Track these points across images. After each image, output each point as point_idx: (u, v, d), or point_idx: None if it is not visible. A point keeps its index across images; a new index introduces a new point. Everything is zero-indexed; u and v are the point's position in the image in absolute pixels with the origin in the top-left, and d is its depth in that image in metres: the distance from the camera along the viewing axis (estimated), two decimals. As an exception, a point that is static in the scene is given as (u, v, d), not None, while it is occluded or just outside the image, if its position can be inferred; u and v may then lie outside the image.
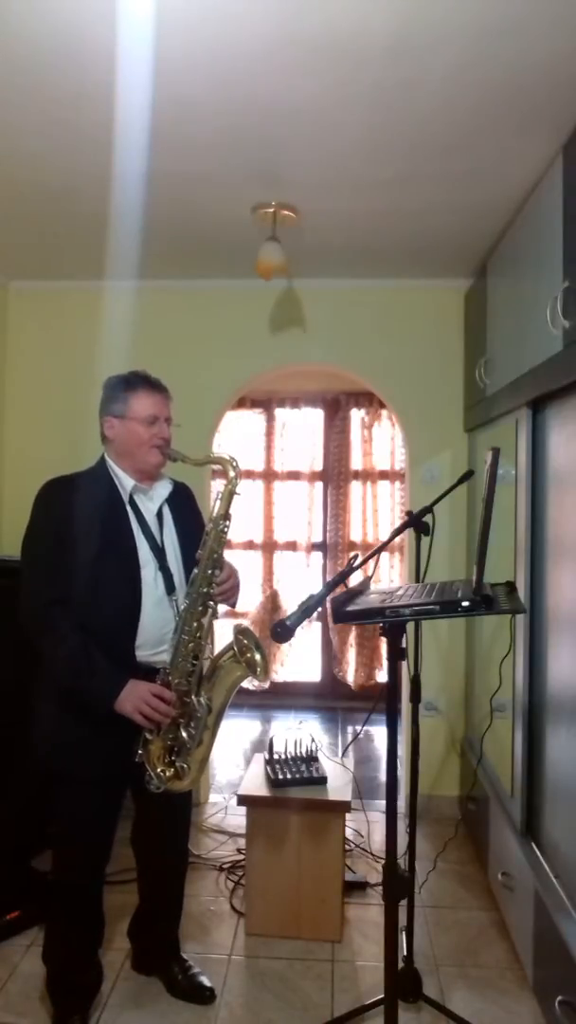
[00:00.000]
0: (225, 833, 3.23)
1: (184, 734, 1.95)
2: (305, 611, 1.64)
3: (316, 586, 4.83)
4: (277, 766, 2.64)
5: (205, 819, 3.38)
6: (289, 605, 5.10)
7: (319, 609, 1.74)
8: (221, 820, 3.36)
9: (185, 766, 1.95)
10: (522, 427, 2.38)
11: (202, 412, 3.49)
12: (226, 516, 2.02)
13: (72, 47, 1.69)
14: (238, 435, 5.10)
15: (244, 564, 5.16)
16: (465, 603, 1.60)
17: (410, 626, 2.05)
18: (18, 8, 1.56)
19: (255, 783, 2.61)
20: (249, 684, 5.05)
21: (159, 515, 2.07)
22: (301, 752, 2.74)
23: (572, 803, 2.00)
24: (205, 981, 2.22)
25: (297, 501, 5.18)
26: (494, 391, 2.75)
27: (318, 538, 5.19)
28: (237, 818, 3.21)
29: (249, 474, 5.17)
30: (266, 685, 5.12)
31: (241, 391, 3.68)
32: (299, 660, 5.20)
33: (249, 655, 1.99)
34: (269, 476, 5.17)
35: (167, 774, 1.95)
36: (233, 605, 2.11)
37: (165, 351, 3.45)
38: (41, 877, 2.52)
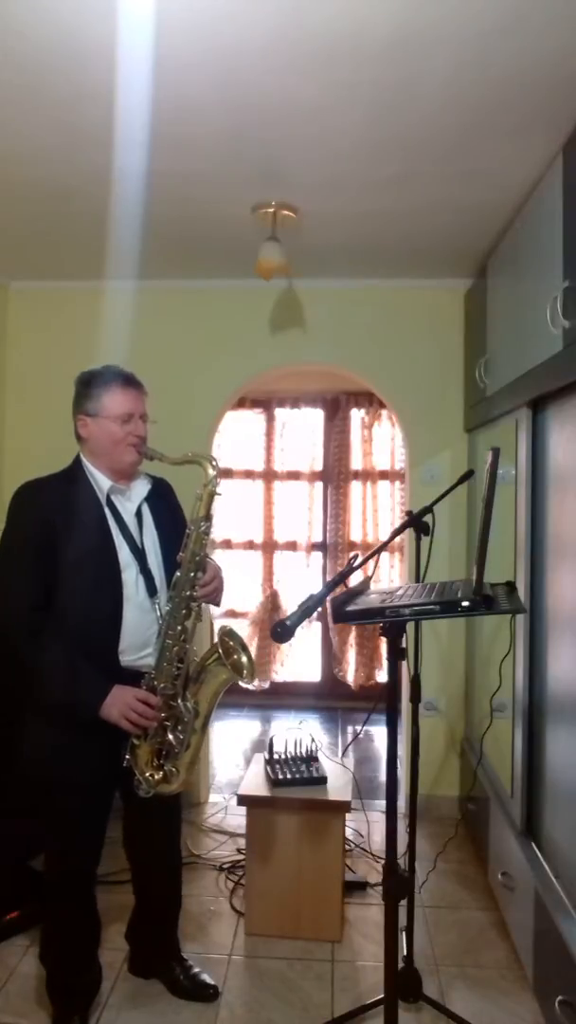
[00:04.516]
0: (225, 833, 3.23)
1: (171, 738, 1.94)
2: (305, 611, 1.63)
3: (316, 586, 4.83)
4: (277, 766, 2.64)
5: (205, 819, 3.38)
6: (289, 605, 5.09)
7: (319, 609, 1.74)
8: (221, 820, 3.36)
9: (173, 769, 1.95)
10: (522, 427, 2.38)
11: (202, 412, 3.49)
12: (207, 517, 1.96)
13: (72, 47, 1.68)
14: (238, 435, 5.11)
15: (244, 564, 5.18)
16: (465, 603, 1.60)
17: (410, 626, 2.05)
18: (18, 8, 1.56)
19: (255, 783, 2.61)
20: (249, 684, 5.06)
21: (138, 515, 2.03)
22: (301, 752, 2.74)
23: (572, 803, 2.00)
24: (207, 979, 2.22)
25: (297, 501, 5.18)
26: (494, 391, 2.75)
27: (318, 538, 5.19)
28: (237, 818, 3.21)
29: (249, 474, 5.17)
30: (266, 685, 5.13)
31: (241, 391, 3.68)
32: (299, 660, 5.20)
33: (235, 657, 1.98)
34: (269, 476, 5.16)
35: (155, 778, 1.94)
36: (217, 604, 2.08)
37: (165, 351, 3.46)
38: (40, 877, 2.52)
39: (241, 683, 2.01)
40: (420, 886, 2.73)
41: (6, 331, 3.53)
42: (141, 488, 2.06)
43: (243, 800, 2.56)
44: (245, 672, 1.99)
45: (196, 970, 2.24)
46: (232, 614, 5.20)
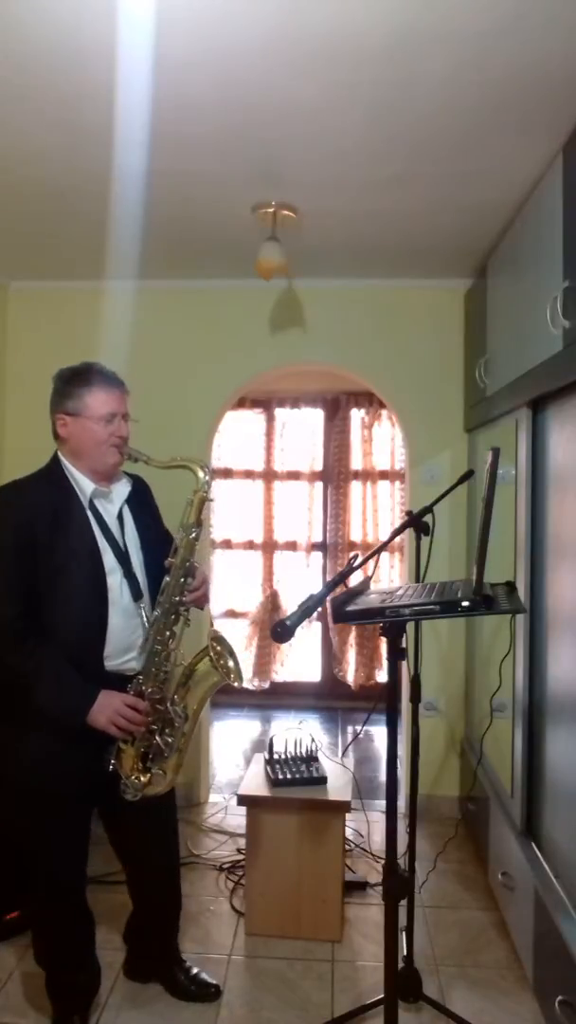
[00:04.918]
0: (225, 833, 3.23)
1: (159, 740, 1.93)
2: (305, 611, 1.63)
3: (316, 586, 4.83)
4: (277, 766, 2.64)
5: (205, 819, 3.38)
6: (289, 605, 5.09)
7: (319, 609, 1.73)
8: (221, 820, 3.36)
9: (160, 772, 1.94)
10: (522, 427, 2.38)
11: (202, 412, 3.49)
12: (198, 523, 1.94)
13: (72, 46, 1.68)
14: (238, 435, 5.11)
15: (244, 564, 5.18)
16: (465, 603, 1.60)
17: (410, 626, 2.05)
18: (18, 8, 1.56)
19: (255, 783, 2.61)
20: (248, 684, 5.07)
21: (119, 517, 1.99)
22: (301, 752, 2.74)
23: (572, 803, 2.00)
24: (209, 979, 2.22)
25: (297, 501, 5.18)
26: (494, 391, 2.75)
27: (318, 538, 5.19)
28: (237, 818, 3.21)
29: (249, 474, 5.17)
30: (266, 685, 5.13)
31: (241, 391, 3.68)
32: (299, 660, 5.20)
33: (223, 661, 1.98)
34: (269, 476, 5.16)
35: (142, 780, 1.93)
36: (201, 608, 2.07)
37: (165, 351, 3.46)
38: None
39: (234, 684, 2.02)
40: (420, 886, 2.73)
41: (6, 331, 3.53)
42: (122, 489, 2.02)
43: (243, 800, 2.56)
44: (233, 676, 1.99)
45: (196, 970, 2.24)
46: (232, 614, 5.20)
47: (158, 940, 2.24)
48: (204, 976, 2.23)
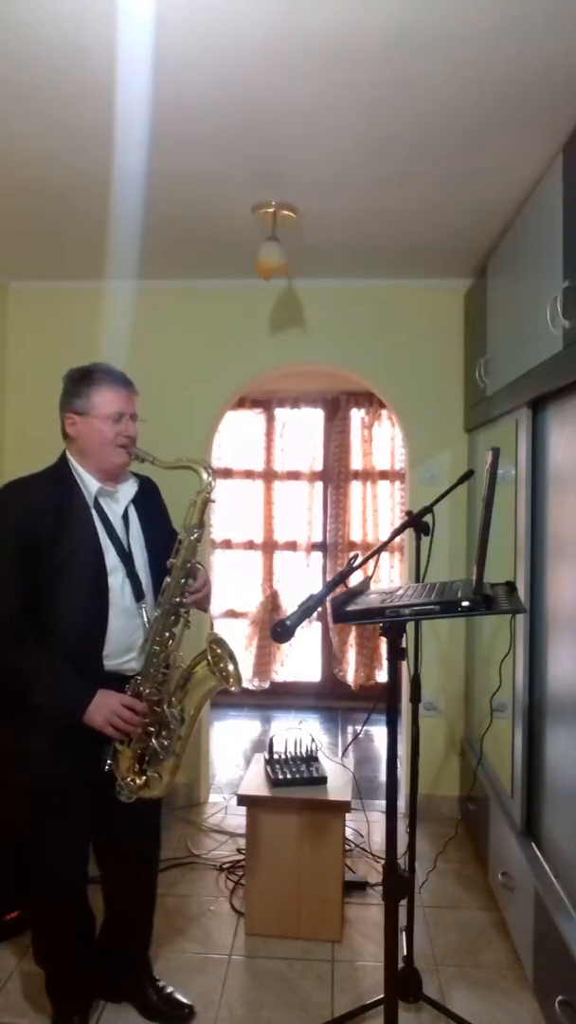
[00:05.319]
0: (225, 833, 3.23)
1: (155, 743, 1.92)
2: (305, 611, 1.63)
3: (316, 586, 4.83)
4: (277, 766, 2.64)
5: (205, 819, 3.37)
6: (289, 605, 5.10)
7: (319, 609, 1.73)
8: (221, 820, 3.36)
9: (156, 775, 1.93)
10: (522, 427, 2.38)
11: (202, 412, 3.49)
12: (200, 525, 1.93)
13: (72, 46, 1.68)
14: (238, 435, 5.11)
15: (244, 564, 5.18)
16: (465, 603, 1.60)
17: (410, 626, 2.05)
18: (18, 7, 1.56)
19: (255, 783, 2.61)
20: (248, 684, 5.07)
21: (124, 517, 1.99)
22: (301, 752, 2.74)
23: (572, 803, 2.00)
24: (182, 999, 2.14)
25: (297, 501, 5.18)
26: (494, 391, 2.75)
27: (318, 538, 5.19)
28: (237, 818, 3.21)
29: (249, 474, 5.17)
30: (266, 685, 5.13)
31: (241, 391, 3.68)
32: (299, 660, 5.20)
33: (223, 665, 1.97)
34: (269, 476, 5.16)
35: (137, 783, 1.93)
36: (205, 610, 2.06)
37: (165, 351, 3.46)
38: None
39: (232, 689, 2.01)
40: (420, 886, 2.73)
41: (6, 331, 3.53)
42: (128, 489, 2.02)
43: (243, 800, 2.56)
44: (232, 680, 1.97)
45: (169, 990, 2.16)
46: (232, 614, 5.20)
47: (130, 953, 2.16)
48: (177, 996, 2.14)
